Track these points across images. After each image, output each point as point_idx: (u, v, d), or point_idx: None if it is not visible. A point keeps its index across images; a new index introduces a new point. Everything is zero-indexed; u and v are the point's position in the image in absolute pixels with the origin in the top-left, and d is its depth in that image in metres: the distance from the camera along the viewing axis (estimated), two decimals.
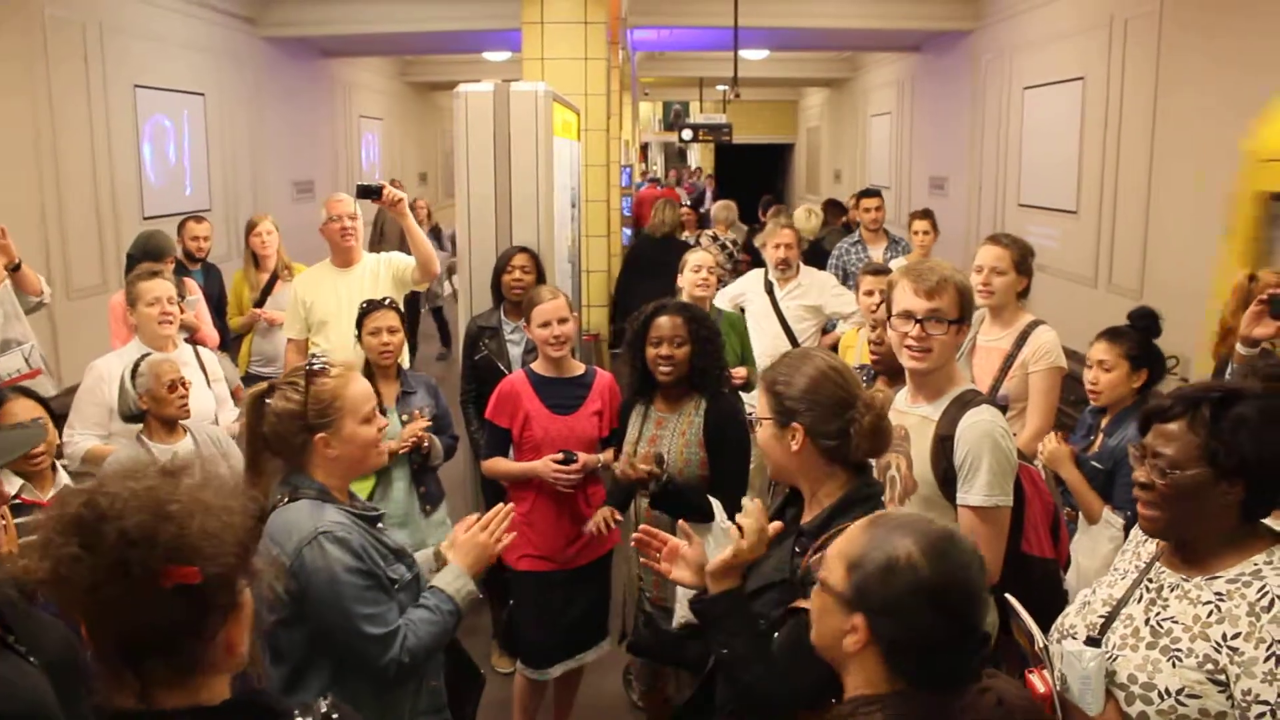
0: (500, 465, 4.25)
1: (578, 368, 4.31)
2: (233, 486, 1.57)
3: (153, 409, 3.99)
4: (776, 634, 2.34)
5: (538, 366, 4.26)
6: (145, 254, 5.91)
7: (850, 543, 1.84)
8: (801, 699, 2.27)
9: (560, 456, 4.06)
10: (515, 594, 4.32)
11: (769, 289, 6.18)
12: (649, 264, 8.52)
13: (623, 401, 4.16)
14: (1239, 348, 3.65)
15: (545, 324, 4.16)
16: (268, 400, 2.62)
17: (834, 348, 5.84)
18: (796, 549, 2.44)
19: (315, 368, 2.66)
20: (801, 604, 2.27)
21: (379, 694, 2.58)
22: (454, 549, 2.77)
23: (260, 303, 6.39)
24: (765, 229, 6.92)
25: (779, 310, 6.08)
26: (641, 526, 2.79)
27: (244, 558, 1.53)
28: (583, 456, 4.09)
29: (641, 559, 2.76)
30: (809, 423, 2.44)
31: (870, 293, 4.97)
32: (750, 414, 2.60)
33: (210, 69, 11.54)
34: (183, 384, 4.03)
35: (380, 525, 2.72)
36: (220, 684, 1.56)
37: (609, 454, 4.15)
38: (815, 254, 8.38)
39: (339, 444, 2.60)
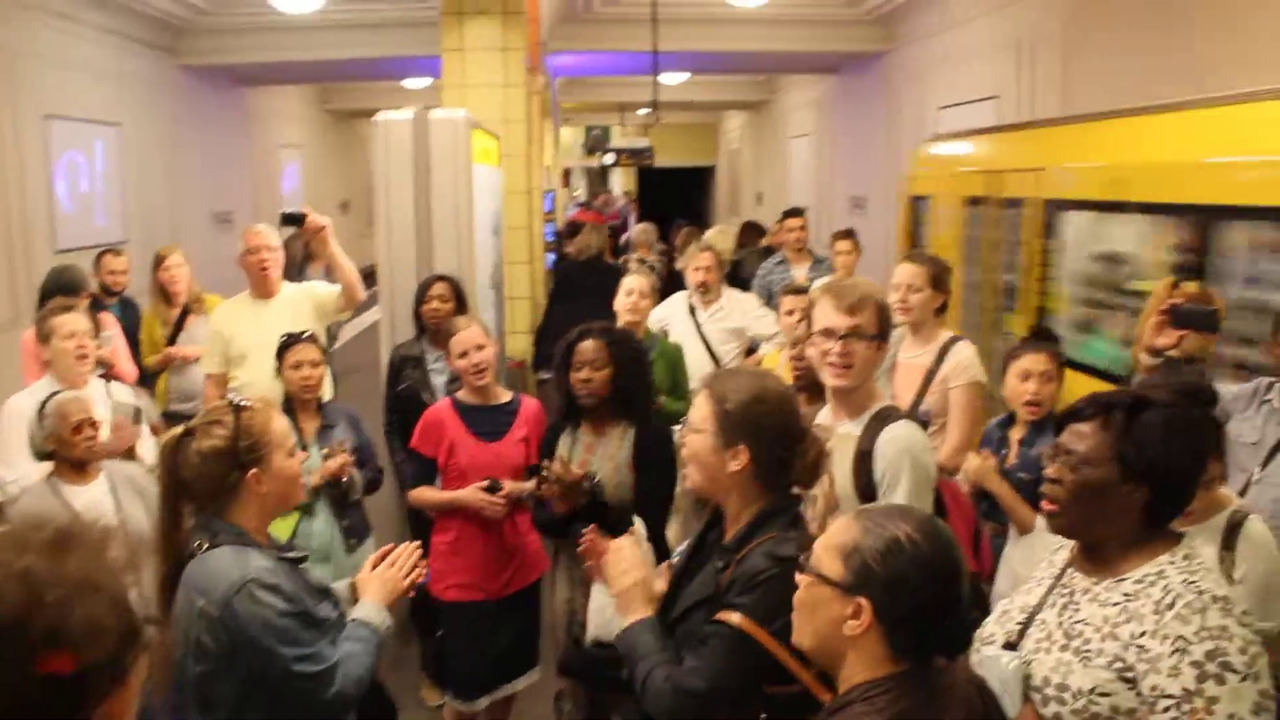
0: (426, 495, 4.22)
1: (503, 395, 4.29)
2: (129, 558, 1.47)
3: (59, 450, 3.84)
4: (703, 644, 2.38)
5: (463, 395, 4.24)
6: (59, 289, 5.79)
7: (842, 533, 1.92)
8: (723, 705, 2.31)
9: (486, 484, 4.04)
10: (444, 624, 4.27)
11: (691, 312, 6.21)
12: (573, 289, 8.46)
13: (551, 425, 4.14)
14: (1142, 357, 3.73)
15: (463, 354, 4.14)
16: (189, 442, 2.55)
17: None
18: (720, 564, 2.47)
19: (239, 403, 2.62)
20: (723, 616, 2.32)
21: None
22: (364, 585, 2.76)
23: (173, 338, 6.25)
24: (686, 253, 6.96)
25: (702, 333, 6.11)
26: (589, 534, 2.90)
27: (133, 639, 1.43)
28: (509, 484, 4.07)
29: (585, 565, 2.84)
30: (754, 448, 2.46)
31: (791, 312, 5.02)
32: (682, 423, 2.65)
33: (126, 98, 11.38)
34: (91, 424, 3.86)
35: (303, 566, 2.69)
36: None
37: (535, 482, 4.14)
38: (733, 276, 8.43)
39: (269, 479, 2.57)
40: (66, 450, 3.83)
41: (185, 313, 6.31)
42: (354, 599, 2.77)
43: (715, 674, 2.31)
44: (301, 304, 5.30)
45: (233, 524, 2.55)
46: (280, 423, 2.66)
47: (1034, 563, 3.69)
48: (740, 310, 6.30)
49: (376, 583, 2.74)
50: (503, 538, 4.14)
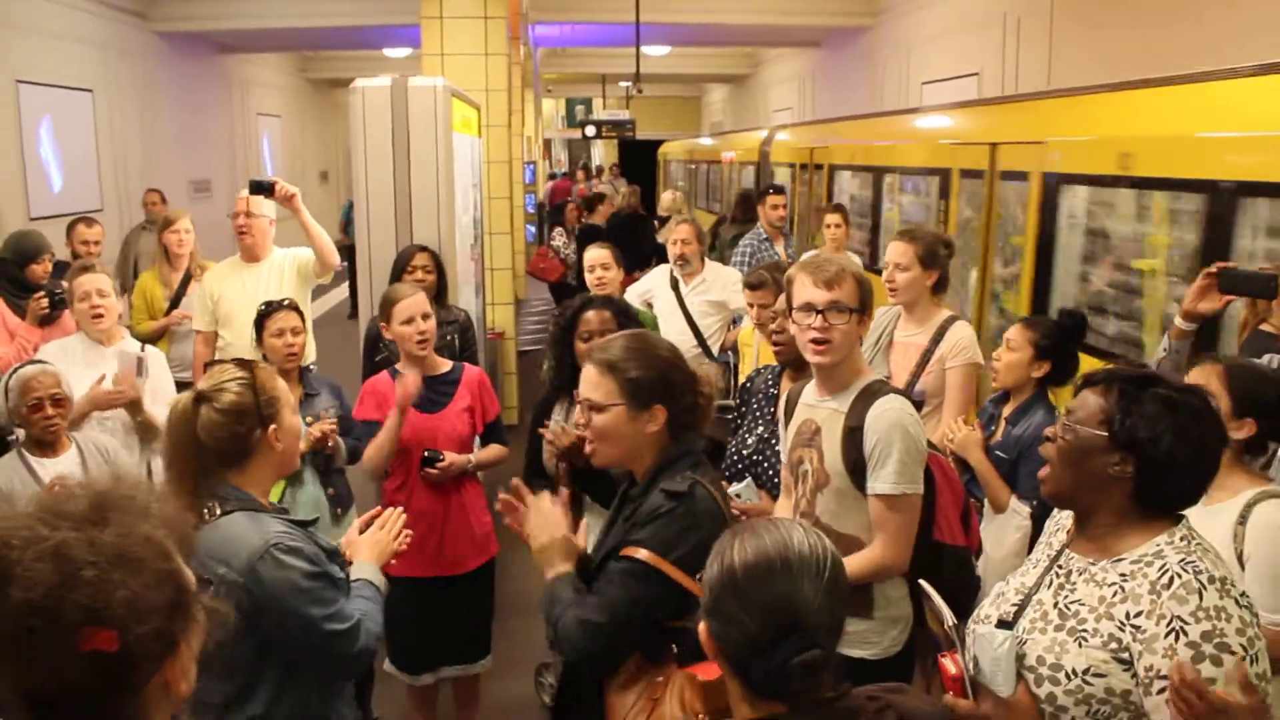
0: (372, 446, 4.08)
1: (443, 365, 4.23)
2: (176, 520, 1.42)
3: (21, 426, 3.75)
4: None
5: (401, 366, 4.17)
6: (17, 255, 5.69)
7: None
8: (625, 636, 2.40)
9: (426, 455, 3.99)
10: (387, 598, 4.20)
11: (674, 285, 6.15)
12: (618, 235, 9.46)
13: (543, 397, 4.08)
14: (1178, 321, 3.46)
15: (409, 320, 4.05)
16: (203, 404, 2.50)
17: (735, 343, 5.84)
18: (627, 512, 2.56)
19: (246, 360, 2.63)
20: (625, 551, 2.43)
21: (324, 699, 2.61)
22: (355, 548, 2.77)
23: (175, 303, 6.16)
24: (666, 224, 6.89)
25: (684, 306, 6.06)
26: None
27: (182, 608, 1.38)
28: (450, 455, 4.02)
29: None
30: (670, 403, 2.54)
31: (751, 305, 4.88)
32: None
33: (98, 64, 11.20)
34: (54, 403, 3.73)
35: (311, 529, 2.68)
36: None
37: (485, 452, 4.12)
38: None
39: (283, 435, 2.57)
40: (26, 428, 3.74)
41: (187, 278, 6.20)
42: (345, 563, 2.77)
43: (615, 605, 2.40)
44: (287, 269, 5.39)
45: (239, 489, 2.53)
46: (281, 380, 2.67)
47: (1003, 543, 3.69)
48: (721, 284, 6.22)
49: (367, 545, 2.76)
50: (448, 515, 4.09)
